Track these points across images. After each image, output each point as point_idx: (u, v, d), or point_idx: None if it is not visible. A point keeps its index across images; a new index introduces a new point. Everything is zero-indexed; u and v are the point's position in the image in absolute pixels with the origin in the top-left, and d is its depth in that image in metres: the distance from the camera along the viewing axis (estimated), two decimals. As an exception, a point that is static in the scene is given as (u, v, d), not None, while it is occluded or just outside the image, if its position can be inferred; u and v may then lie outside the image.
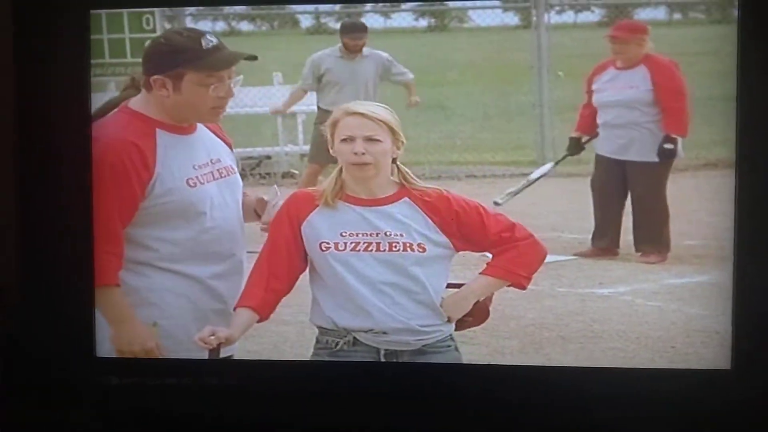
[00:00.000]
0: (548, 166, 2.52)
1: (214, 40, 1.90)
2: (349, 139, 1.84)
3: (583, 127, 2.51)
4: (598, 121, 2.51)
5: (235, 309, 1.91)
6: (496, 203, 2.40)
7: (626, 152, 2.52)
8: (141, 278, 1.94)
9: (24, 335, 2.14)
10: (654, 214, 2.40)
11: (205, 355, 1.89)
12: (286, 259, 1.90)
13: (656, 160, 2.47)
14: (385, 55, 2.48)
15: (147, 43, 1.99)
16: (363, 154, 1.84)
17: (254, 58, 1.93)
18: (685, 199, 2.31)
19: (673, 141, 2.44)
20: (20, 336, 2.15)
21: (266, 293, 1.89)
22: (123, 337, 1.93)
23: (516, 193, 2.46)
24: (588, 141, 2.49)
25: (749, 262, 1.96)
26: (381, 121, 1.85)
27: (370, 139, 1.84)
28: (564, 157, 2.50)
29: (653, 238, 2.41)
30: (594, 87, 2.47)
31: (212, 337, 1.86)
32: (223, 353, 1.97)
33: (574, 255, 2.50)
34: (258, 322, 1.90)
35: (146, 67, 1.91)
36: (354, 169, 1.86)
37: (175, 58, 1.88)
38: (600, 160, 2.54)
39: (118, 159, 1.87)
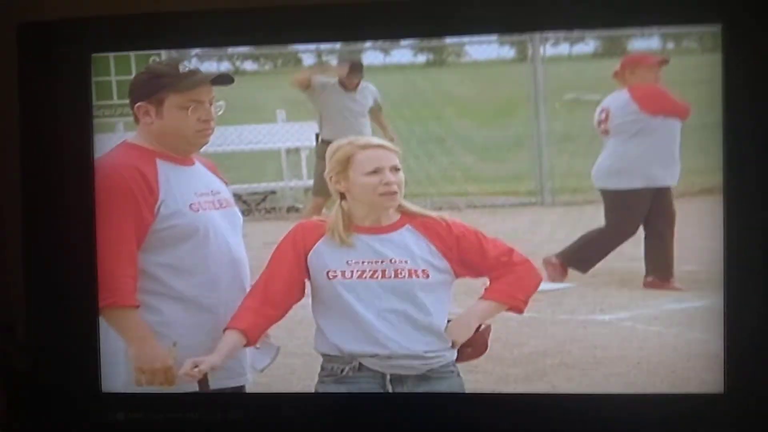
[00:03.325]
0: None
1: (192, 66, 2.00)
2: (377, 171, 1.89)
3: None
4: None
5: (224, 330, 1.95)
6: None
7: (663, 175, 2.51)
8: (152, 311, 1.99)
9: (31, 371, 2.17)
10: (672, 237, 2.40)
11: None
12: (284, 286, 1.95)
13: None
14: (374, 89, 2.53)
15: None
16: (393, 183, 1.88)
17: (230, 79, 2.02)
18: (683, 224, 2.34)
19: None
20: (27, 372, 2.18)
21: (257, 317, 1.94)
22: (144, 356, 1.98)
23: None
24: None
25: (739, 286, 1.99)
26: (397, 151, 1.92)
27: (394, 169, 1.90)
28: None
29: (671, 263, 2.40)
30: None
31: (196, 370, 1.89)
32: (237, 383, 2.00)
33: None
34: (245, 346, 1.94)
35: (131, 98, 2.02)
36: (384, 200, 1.91)
37: (155, 84, 1.99)
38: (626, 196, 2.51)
39: (124, 182, 1.95)
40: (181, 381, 1.97)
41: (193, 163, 2.05)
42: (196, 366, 1.92)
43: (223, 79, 2.03)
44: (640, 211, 2.53)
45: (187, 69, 2.01)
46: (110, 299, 2.00)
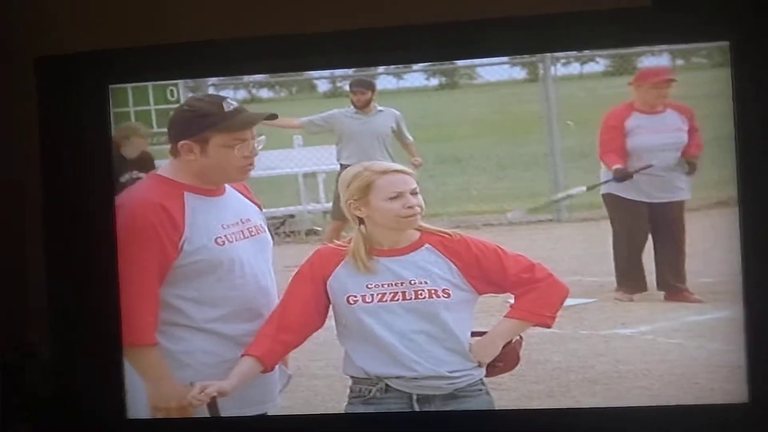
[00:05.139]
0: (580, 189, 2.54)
1: (235, 104, 2.00)
2: (399, 196, 1.90)
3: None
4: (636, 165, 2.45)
5: (241, 356, 1.95)
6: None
7: (661, 193, 2.50)
8: (175, 341, 1.99)
9: (56, 398, 2.20)
10: (681, 250, 2.41)
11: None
12: (301, 313, 1.95)
13: (684, 197, 2.46)
14: (398, 113, 2.55)
15: (172, 111, 2.07)
16: (416, 206, 1.92)
17: (274, 116, 2.03)
18: (700, 237, 2.35)
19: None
20: (52, 398, 2.21)
21: (274, 344, 1.94)
22: (160, 395, 1.98)
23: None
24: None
25: (758, 296, 2.02)
26: (413, 175, 1.93)
27: (414, 192, 1.91)
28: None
29: (681, 274, 2.40)
30: (629, 129, 2.44)
31: (202, 394, 1.90)
32: (257, 411, 2.00)
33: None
34: (262, 372, 1.95)
35: (172, 134, 2.00)
36: (406, 222, 1.92)
37: (200, 123, 1.97)
38: (628, 204, 2.49)
39: (147, 221, 1.95)
40: (190, 405, 1.96)
41: (223, 192, 2.04)
42: (203, 390, 1.93)
43: (271, 117, 2.04)
44: (630, 215, 2.50)
45: (232, 107, 1.99)
46: (128, 338, 2.02)
